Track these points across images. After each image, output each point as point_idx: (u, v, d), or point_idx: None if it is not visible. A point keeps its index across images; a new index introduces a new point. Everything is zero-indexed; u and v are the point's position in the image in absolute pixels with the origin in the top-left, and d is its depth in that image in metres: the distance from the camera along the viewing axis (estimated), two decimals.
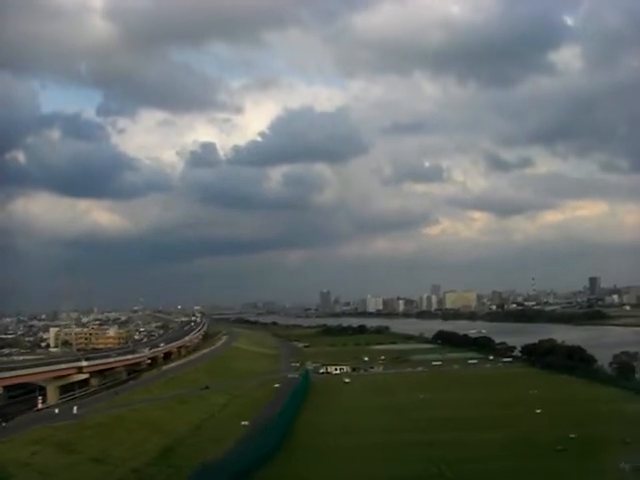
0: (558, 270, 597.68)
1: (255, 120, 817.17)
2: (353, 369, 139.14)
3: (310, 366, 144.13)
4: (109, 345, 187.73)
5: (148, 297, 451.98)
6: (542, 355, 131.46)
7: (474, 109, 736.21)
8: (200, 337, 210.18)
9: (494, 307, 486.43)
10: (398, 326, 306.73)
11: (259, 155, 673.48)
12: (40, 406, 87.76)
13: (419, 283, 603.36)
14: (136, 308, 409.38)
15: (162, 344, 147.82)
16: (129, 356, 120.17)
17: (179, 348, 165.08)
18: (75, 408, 77.07)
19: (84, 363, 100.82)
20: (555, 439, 63.67)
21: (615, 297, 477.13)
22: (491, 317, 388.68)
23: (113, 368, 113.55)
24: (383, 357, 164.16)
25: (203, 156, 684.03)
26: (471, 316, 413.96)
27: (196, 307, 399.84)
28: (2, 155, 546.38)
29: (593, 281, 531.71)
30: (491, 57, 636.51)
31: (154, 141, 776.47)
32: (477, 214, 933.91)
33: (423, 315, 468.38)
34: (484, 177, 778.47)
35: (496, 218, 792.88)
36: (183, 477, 53.35)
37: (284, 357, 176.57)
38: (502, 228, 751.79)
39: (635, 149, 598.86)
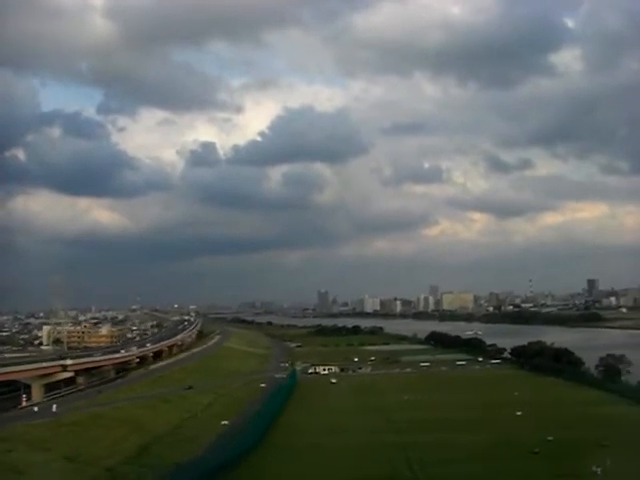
0: (557, 272, 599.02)
1: (255, 120, 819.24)
2: (341, 369, 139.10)
3: (299, 366, 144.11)
4: (101, 344, 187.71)
5: (147, 296, 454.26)
6: (531, 357, 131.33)
7: (474, 110, 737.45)
8: (193, 336, 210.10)
9: (491, 308, 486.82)
10: (393, 327, 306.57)
11: (259, 155, 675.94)
12: (24, 404, 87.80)
13: (418, 284, 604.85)
14: (134, 307, 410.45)
15: (149, 344, 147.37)
16: (116, 355, 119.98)
17: (170, 347, 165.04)
18: (54, 406, 76.97)
19: (68, 361, 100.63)
20: (532, 442, 63.79)
21: (612, 299, 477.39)
22: (487, 318, 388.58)
23: (100, 367, 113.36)
24: (373, 358, 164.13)
25: (203, 155, 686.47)
26: (467, 317, 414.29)
27: (191, 306, 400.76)
28: (2, 153, 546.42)
29: (591, 283, 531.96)
30: (491, 58, 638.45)
31: (154, 140, 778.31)
32: (477, 215, 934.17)
33: (420, 316, 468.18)
34: (484, 178, 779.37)
35: (496, 219, 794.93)
36: (154, 476, 53.36)
37: (275, 357, 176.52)
38: (502, 230, 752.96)
39: (635, 151, 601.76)
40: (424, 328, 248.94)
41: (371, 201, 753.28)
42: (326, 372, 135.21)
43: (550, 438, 64.96)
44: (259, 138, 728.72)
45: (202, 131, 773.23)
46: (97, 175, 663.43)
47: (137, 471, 56.73)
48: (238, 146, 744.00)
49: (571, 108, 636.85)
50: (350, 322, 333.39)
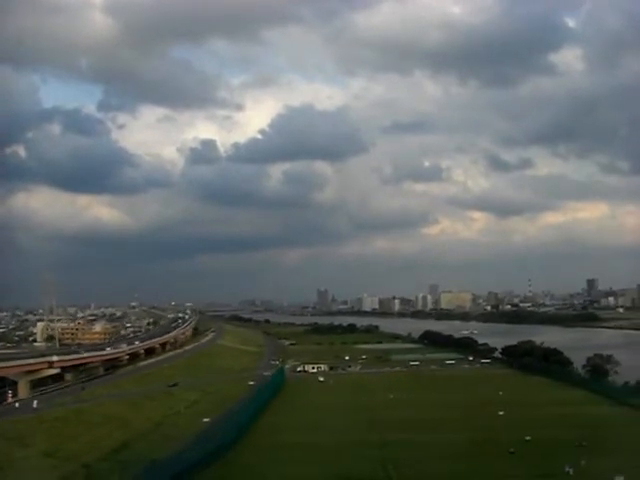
0: (557, 272, 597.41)
1: (255, 117, 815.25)
2: (331, 368, 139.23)
3: (289, 364, 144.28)
4: (95, 340, 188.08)
5: (147, 293, 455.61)
6: (520, 357, 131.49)
7: (474, 109, 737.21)
8: (187, 333, 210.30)
9: (489, 308, 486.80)
10: (390, 325, 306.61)
11: (259, 153, 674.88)
12: (9, 400, 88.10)
13: (418, 283, 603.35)
14: (133, 304, 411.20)
15: (137, 342, 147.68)
16: (103, 351, 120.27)
17: (163, 344, 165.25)
18: (35, 402, 77.24)
19: (54, 358, 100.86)
20: (510, 441, 63.89)
21: (611, 299, 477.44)
22: (485, 318, 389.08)
23: (88, 363, 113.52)
24: (364, 356, 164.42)
25: (203, 153, 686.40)
26: (464, 316, 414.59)
27: (187, 304, 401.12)
28: (3, 149, 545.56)
29: (591, 283, 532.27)
30: (492, 57, 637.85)
31: (154, 137, 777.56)
32: (477, 214, 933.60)
33: (417, 315, 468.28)
34: (484, 177, 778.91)
35: (496, 219, 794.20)
36: (128, 472, 53.58)
37: (267, 355, 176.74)
38: (502, 229, 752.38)
39: (636, 151, 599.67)
40: (420, 327, 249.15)
41: (371, 200, 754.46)
42: (315, 370, 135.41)
43: (528, 438, 65.15)
44: (259, 136, 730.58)
45: (202, 129, 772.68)
46: (97, 172, 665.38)
47: (113, 467, 57.04)
48: (238, 144, 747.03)
49: (572, 108, 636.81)
50: (348, 320, 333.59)
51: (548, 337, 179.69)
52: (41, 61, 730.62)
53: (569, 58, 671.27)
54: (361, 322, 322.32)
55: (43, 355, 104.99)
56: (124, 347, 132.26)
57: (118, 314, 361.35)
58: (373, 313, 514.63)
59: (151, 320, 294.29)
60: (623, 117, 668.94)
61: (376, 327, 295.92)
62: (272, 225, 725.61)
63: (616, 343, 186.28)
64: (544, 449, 61.67)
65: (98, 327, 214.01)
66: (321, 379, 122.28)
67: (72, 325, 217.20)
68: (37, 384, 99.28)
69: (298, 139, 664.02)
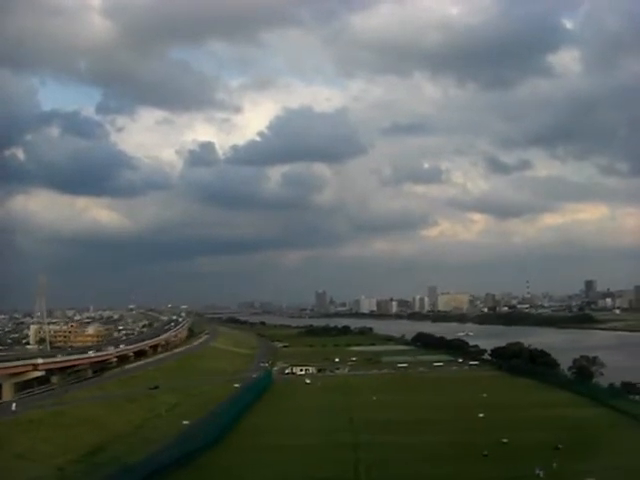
0: (556, 273, 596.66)
1: (254, 120, 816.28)
2: (319, 370, 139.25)
3: (278, 367, 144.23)
4: (88, 343, 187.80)
5: (145, 295, 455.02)
6: (509, 358, 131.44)
7: (473, 111, 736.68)
8: (180, 335, 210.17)
9: (486, 309, 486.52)
10: (386, 327, 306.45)
11: (258, 155, 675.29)
12: None
13: (417, 285, 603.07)
14: (131, 306, 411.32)
15: (122, 345, 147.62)
16: (90, 354, 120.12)
17: (154, 346, 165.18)
18: (13, 405, 77.13)
19: (39, 360, 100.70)
20: (486, 444, 63.81)
21: (609, 301, 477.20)
22: (481, 319, 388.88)
23: (75, 366, 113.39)
24: (354, 358, 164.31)
25: (202, 155, 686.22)
26: (461, 318, 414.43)
27: (182, 306, 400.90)
28: (1, 152, 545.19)
29: (589, 284, 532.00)
30: (490, 59, 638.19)
31: (153, 140, 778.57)
32: (476, 216, 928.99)
33: (414, 317, 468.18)
34: (483, 179, 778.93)
35: (495, 220, 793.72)
36: (101, 475, 53.58)
37: (258, 357, 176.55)
38: (501, 231, 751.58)
39: (635, 152, 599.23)
40: (415, 329, 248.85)
41: (370, 201, 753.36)
42: (302, 373, 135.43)
43: (505, 440, 65.22)
44: (258, 138, 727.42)
45: (201, 131, 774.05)
46: (96, 174, 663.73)
47: (87, 470, 57.03)
48: (237, 146, 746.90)
49: (570, 109, 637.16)
50: (345, 322, 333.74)
51: (541, 339, 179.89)
52: (40, 64, 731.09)
53: (567, 59, 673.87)
54: (358, 324, 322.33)
55: (29, 357, 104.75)
56: (111, 350, 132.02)
57: (115, 317, 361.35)
58: (370, 315, 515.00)
59: (146, 322, 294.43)
60: (622, 118, 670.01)
61: (370, 329, 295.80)
62: (271, 227, 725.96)
63: (607, 345, 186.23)
64: (519, 451, 61.63)
65: (91, 330, 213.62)
66: (308, 381, 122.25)
67: (65, 328, 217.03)
68: (23, 387, 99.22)
69: (297, 141, 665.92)
